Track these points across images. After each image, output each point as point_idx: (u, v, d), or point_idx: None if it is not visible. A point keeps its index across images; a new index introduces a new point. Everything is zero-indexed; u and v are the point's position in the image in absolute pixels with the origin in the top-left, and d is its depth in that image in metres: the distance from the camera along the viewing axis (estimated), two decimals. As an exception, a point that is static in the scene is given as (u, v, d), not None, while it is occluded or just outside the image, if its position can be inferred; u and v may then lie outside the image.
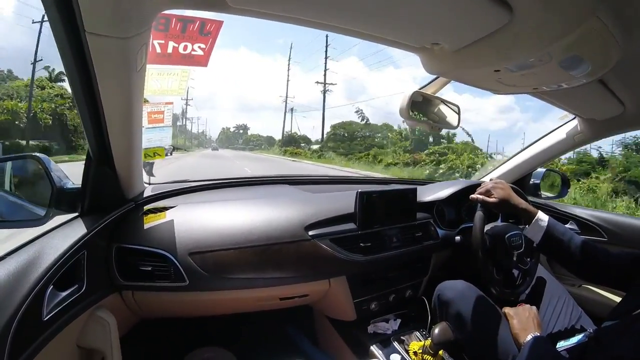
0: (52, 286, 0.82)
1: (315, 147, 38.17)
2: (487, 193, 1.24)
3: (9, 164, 1.13)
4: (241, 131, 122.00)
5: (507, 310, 1.15)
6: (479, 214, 1.26)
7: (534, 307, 1.13)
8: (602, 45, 0.76)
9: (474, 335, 1.14)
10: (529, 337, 1.00)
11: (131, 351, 1.15)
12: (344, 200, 1.36)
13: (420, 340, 1.30)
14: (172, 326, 1.55)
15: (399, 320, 1.43)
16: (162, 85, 1.01)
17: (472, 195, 1.27)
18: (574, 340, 1.04)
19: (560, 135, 1.67)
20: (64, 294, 0.86)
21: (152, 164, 1.33)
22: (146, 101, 1.08)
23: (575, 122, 1.59)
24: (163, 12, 0.76)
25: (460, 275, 1.33)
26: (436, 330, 1.10)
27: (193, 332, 1.59)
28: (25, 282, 0.75)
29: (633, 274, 1.04)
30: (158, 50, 0.86)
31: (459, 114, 1.31)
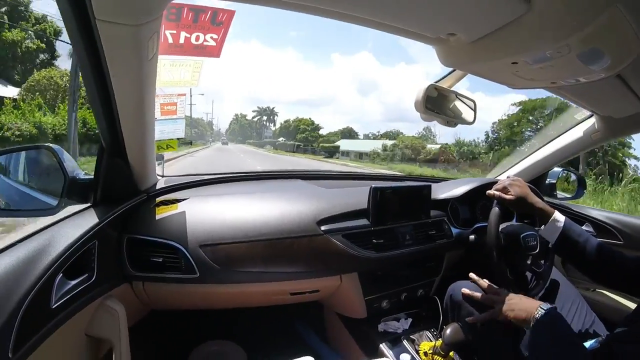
0: (61, 274, 0.82)
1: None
2: (504, 190, 1.21)
3: (22, 154, 1.15)
4: (264, 118, 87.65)
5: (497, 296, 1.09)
6: (494, 210, 1.24)
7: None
8: (622, 38, 0.73)
9: (486, 337, 1.11)
10: (541, 311, 0.94)
11: (140, 341, 1.16)
12: (357, 196, 1.35)
13: (431, 341, 1.28)
14: (181, 318, 1.56)
15: (410, 320, 1.42)
16: (174, 76, 1.01)
17: (489, 191, 1.25)
18: (586, 345, 1.02)
19: (577, 133, 1.64)
20: (74, 282, 0.86)
21: (163, 156, 1.33)
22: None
23: (592, 120, 1.56)
24: (175, 2, 0.75)
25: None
26: (447, 331, 1.08)
27: (202, 324, 1.60)
28: (34, 269, 0.75)
29: None
30: (170, 40, 0.86)
31: (474, 110, 1.28)
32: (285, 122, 71.37)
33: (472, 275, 1.17)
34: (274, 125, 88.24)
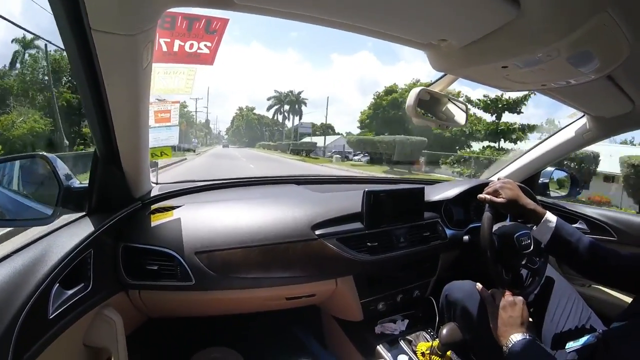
0: (58, 284, 0.82)
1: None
2: (495, 193, 1.21)
3: (17, 163, 1.14)
4: (285, 108, 61.04)
5: (495, 297, 1.08)
6: (486, 214, 1.22)
7: (522, 300, 1.06)
8: (611, 41, 0.74)
9: (482, 336, 1.12)
10: (519, 337, 0.94)
11: (138, 350, 1.16)
12: (351, 200, 1.36)
13: (428, 341, 1.29)
14: (179, 325, 1.56)
15: (406, 321, 1.43)
16: (168, 84, 1.01)
17: (480, 195, 1.25)
18: (582, 340, 1.03)
19: (570, 133, 1.65)
20: (70, 292, 0.86)
21: (157, 163, 1.33)
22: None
23: (584, 120, 1.57)
24: (169, 10, 0.76)
25: (468, 275, 1.32)
26: (444, 331, 1.09)
27: (200, 331, 1.60)
28: (31, 280, 0.75)
29: None
30: (164, 48, 0.86)
31: (466, 112, 1.30)
32: (382, 95, 33.68)
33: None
34: (300, 117, 60.36)
